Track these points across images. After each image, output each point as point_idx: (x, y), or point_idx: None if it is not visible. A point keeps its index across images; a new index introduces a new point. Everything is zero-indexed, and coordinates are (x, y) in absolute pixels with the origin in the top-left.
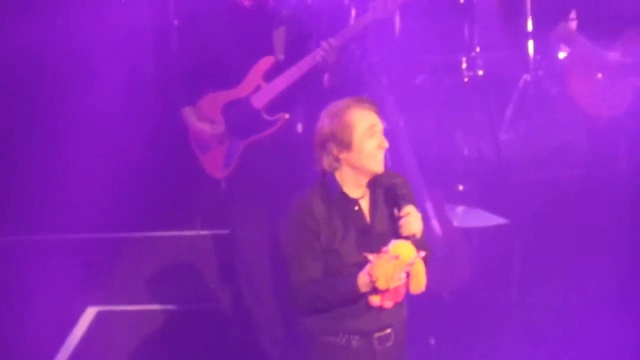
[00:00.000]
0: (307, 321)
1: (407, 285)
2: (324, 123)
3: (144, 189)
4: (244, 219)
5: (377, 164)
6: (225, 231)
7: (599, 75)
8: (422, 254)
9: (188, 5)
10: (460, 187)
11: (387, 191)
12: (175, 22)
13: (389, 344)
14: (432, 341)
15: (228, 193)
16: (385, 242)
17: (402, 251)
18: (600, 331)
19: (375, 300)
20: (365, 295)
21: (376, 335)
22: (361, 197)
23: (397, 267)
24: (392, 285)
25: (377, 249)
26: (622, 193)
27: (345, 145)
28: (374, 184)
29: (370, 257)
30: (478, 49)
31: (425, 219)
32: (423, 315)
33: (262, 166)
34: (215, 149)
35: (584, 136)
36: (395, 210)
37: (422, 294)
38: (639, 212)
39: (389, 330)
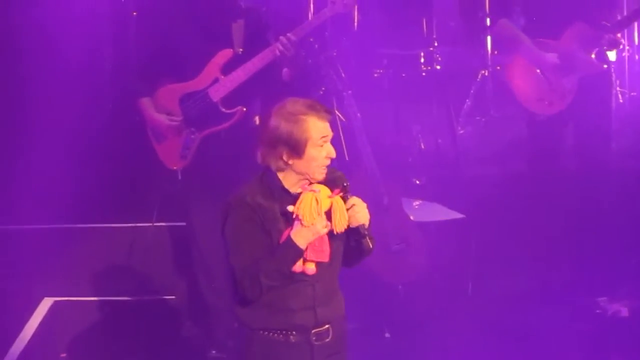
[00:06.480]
0: (245, 318)
1: (330, 228)
2: (278, 124)
3: (100, 180)
4: (200, 210)
5: (320, 174)
6: (182, 223)
7: (538, 71)
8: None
9: None
10: (417, 181)
11: (329, 184)
12: (134, 13)
13: (327, 339)
14: (387, 334)
15: (184, 185)
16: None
17: (320, 187)
18: (555, 323)
19: (298, 265)
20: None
21: (314, 331)
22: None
23: (318, 199)
24: (317, 219)
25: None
26: (577, 187)
27: (297, 152)
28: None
29: (291, 208)
30: (436, 44)
31: (382, 212)
32: (378, 308)
33: (219, 158)
34: (172, 139)
35: (539, 132)
36: None
37: (377, 286)
38: (594, 205)
39: (327, 326)
